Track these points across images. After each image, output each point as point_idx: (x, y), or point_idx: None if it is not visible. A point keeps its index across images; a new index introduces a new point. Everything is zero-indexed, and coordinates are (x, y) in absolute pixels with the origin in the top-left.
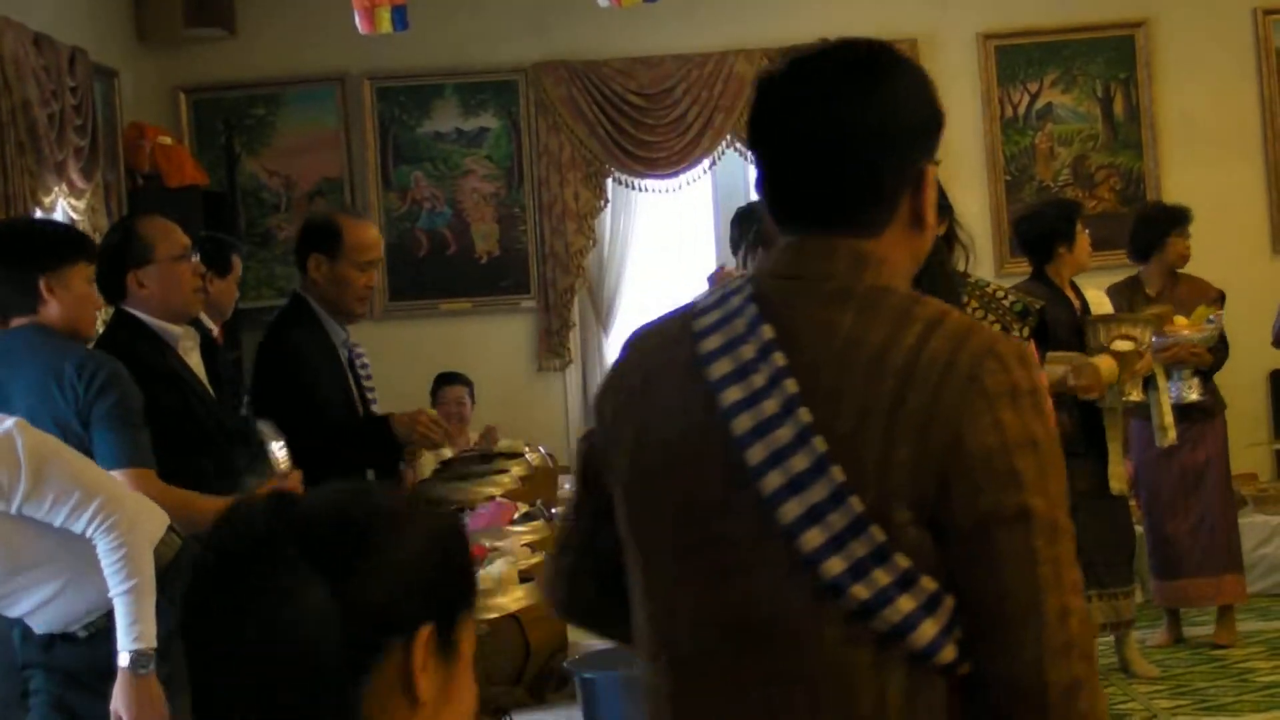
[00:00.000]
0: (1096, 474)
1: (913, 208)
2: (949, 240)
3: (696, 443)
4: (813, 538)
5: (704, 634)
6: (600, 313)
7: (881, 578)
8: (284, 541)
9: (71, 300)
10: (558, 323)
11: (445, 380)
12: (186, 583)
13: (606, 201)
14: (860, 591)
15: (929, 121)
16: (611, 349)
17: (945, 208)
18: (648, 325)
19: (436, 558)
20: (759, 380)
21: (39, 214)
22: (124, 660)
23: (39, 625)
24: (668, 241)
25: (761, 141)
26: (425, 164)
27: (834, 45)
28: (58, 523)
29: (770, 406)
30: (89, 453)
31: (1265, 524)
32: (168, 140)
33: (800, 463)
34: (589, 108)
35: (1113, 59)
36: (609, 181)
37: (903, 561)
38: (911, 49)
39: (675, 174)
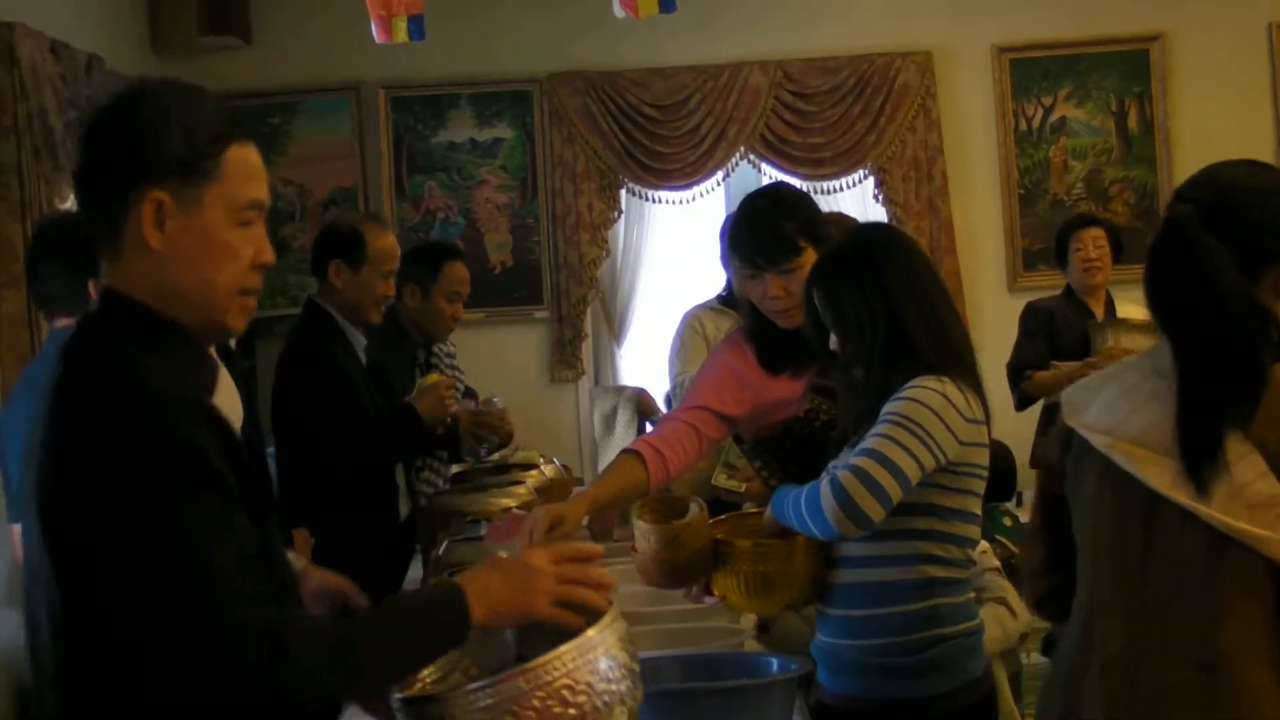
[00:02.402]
0: None
1: None
2: None
3: None
4: None
5: None
6: (613, 324)
7: None
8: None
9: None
10: (570, 333)
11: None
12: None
13: (620, 212)
14: None
15: None
16: (624, 360)
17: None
18: None
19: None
20: None
21: None
22: None
23: None
24: (681, 253)
25: None
26: (439, 174)
27: None
28: None
29: None
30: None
31: None
32: None
33: None
34: (603, 119)
35: (1127, 73)
36: (623, 192)
37: None
38: (926, 62)
39: (689, 185)
